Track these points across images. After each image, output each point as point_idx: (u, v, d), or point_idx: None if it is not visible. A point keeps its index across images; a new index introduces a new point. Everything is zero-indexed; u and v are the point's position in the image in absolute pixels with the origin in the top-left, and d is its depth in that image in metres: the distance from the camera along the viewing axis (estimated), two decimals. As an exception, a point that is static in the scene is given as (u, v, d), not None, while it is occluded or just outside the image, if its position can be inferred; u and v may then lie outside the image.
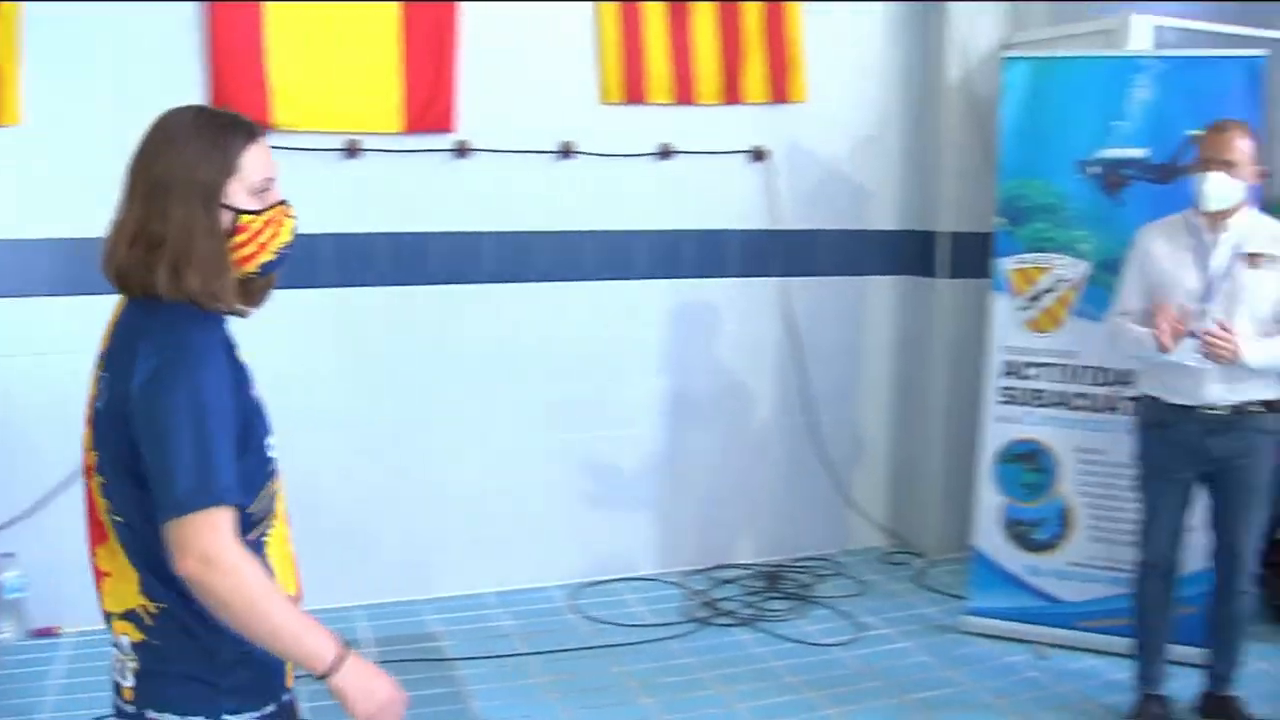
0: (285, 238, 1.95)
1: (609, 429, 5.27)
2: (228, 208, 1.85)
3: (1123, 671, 4.22)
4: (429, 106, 4.77)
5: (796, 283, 5.52)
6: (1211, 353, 3.61)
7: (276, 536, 1.97)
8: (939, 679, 4.38)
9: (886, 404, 5.84)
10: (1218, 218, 3.73)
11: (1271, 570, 5.01)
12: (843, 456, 5.74)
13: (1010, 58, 4.76)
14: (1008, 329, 4.76)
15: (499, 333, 5.01)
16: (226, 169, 1.85)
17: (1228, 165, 3.66)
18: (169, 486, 1.72)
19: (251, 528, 1.88)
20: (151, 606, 1.85)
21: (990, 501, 4.81)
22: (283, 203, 1.94)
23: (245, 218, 1.87)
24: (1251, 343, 3.62)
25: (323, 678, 1.80)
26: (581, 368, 5.16)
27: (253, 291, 1.97)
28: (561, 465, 5.18)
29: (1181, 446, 3.79)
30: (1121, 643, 4.28)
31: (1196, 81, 4.45)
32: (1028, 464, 4.76)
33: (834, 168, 5.52)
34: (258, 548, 1.89)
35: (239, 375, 1.89)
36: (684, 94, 5.11)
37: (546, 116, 4.97)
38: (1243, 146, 3.67)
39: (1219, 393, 3.71)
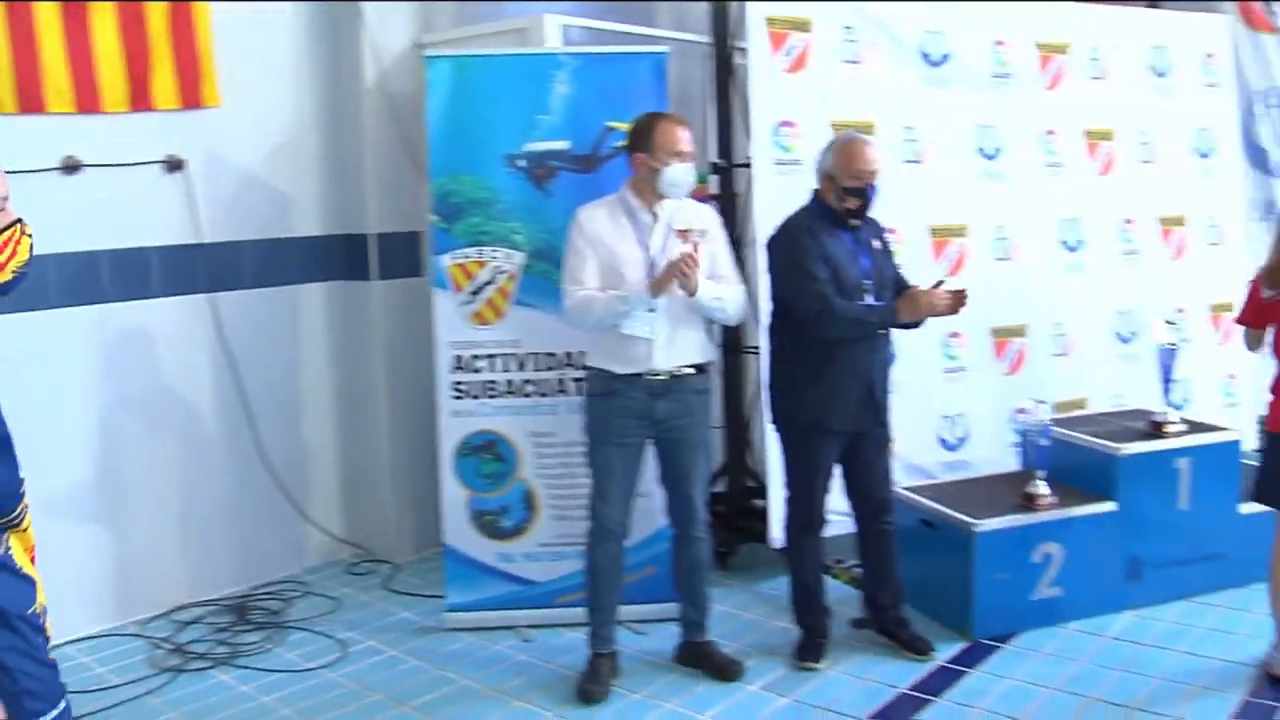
0: (23, 256, 1.95)
1: (33, 479, 4.69)
2: None
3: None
4: None
5: (226, 297, 5.22)
6: (682, 275, 3.91)
7: (20, 549, 2.20)
8: (434, 680, 4.35)
9: (332, 413, 5.69)
10: (656, 200, 4.05)
11: (714, 520, 5.49)
12: (294, 473, 5.53)
13: (432, 57, 4.77)
14: (453, 324, 4.79)
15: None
16: None
17: (689, 156, 4.04)
18: None
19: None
20: None
21: (455, 496, 4.83)
22: (18, 221, 1.92)
23: None
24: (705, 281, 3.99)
25: None
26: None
27: None
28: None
29: (630, 412, 4.08)
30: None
31: (609, 77, 4.73)
32: (487, 454, 4.83)
33: (254, 175, 5.28)
34: (9, 560, 2.17)
35: None
36: (88, 101, 4.64)
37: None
38: (690, 138, 4.06)
39: (661, 359, 4.04)
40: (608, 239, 4.07)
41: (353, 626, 4.88)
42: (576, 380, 4.70)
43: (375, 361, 5.56)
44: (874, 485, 4.41)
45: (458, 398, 4.80)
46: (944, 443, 5.47)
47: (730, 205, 5.18)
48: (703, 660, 4.32)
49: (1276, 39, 6.96)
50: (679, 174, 4.01)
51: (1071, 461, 4.89)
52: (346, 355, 5.66)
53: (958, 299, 4.11)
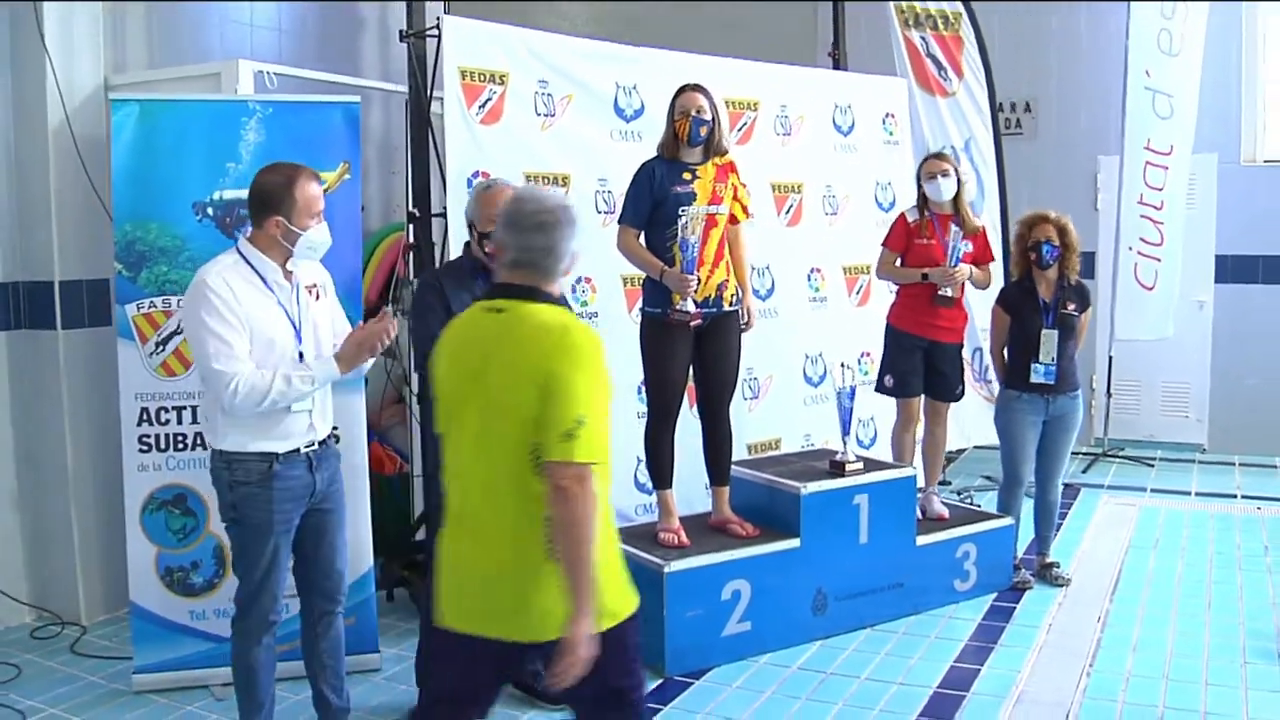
0: None
1: None
2: None
3: (294, 694, 4.38)
4: None
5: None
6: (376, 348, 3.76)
7: None
8: (114, 751, 4.18)
9: (12, 469, 5.38)
10: (285, 259, 3.70)
11: (416, 568, 5.49)
12: (-31, 536, 5.21)
13: (118, 100, 4.63)
14: (138, 376, 4.65)
15: None
16: None
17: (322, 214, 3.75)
18: None
19: None
20: None
21: (143, 553, 4.67)
22: None
23: None
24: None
25: None
26: None
27: None
28: None
29: (295, 494, 3.72)
30: (287, 667, 4.31)
31: (301, 125, 4.70)
32: (176, 509, 4.69)
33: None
34: None
35: None
36: None
37: None
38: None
39: (318, 428, 3.79)
40: (251, 307, 3.59)
41: (34, 695, 4.62)
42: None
43: (64, 415, 5.30)
44: None
45: (144, 451, 4.65)
46: (640, 485, 5.62)
47: (429, 255, 5.20)
48: None
49: (949, 101, 7.49)
50: (320, 236, 3.70)
51: (759, 500, 5.11)
52: (31, 409, 5.38)
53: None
